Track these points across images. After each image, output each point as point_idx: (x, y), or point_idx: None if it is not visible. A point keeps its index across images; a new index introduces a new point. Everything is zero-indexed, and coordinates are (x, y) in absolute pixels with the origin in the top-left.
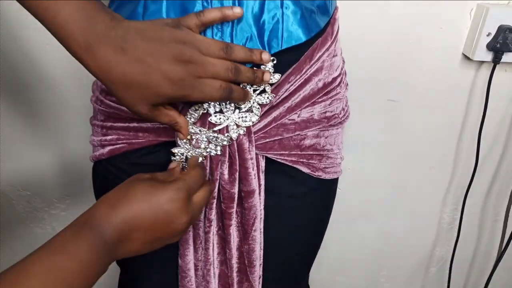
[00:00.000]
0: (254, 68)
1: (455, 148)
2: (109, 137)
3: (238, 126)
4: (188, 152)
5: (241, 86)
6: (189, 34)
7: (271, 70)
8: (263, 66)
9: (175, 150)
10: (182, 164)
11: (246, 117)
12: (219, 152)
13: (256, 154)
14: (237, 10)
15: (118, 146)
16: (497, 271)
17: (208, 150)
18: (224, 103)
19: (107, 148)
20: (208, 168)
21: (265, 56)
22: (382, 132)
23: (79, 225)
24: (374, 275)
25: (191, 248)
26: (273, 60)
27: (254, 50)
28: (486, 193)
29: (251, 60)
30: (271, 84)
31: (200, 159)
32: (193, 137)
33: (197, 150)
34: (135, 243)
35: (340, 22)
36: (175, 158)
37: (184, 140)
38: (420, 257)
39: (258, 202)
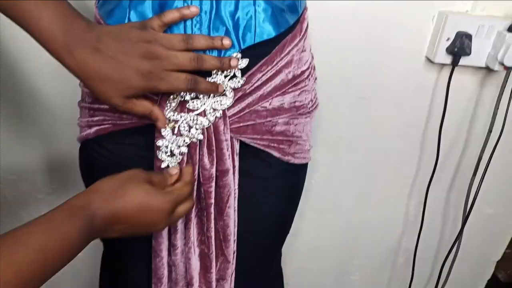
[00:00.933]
0: (239, 55)
1: (419, 144)
2: (95, 118)
3: (214, 110)
4: (172, 143)
5: (212, 72)
6: (153, 33)
7: (239, 56)
8: (238, 61)
9: (159, 143)
10: (164, 162)
11: (221, 100)
12: (201, 137)
13: (231, 137)
14: (193, 9)
15: (104, 126)
16: (459, 263)
17: (190, 136)
18: None
19: (94, 129)
20: (187, 153)
21: (226, 41)
22: (352, 127)
23: (74, 209)
24: (344, 265)
25: (165, 231)
26: (239, 51)
27: (214, 37)
28: (448, 188)
29: (213, 47)
30: (242, 70)
31: (185, 149)
32: (175, 125)
33: (180, 138)
34: (115, 233)
35: (314, 25)
36: (161, 153)
37: (167, 129)
38: (388, 248)
39: (232, 181)
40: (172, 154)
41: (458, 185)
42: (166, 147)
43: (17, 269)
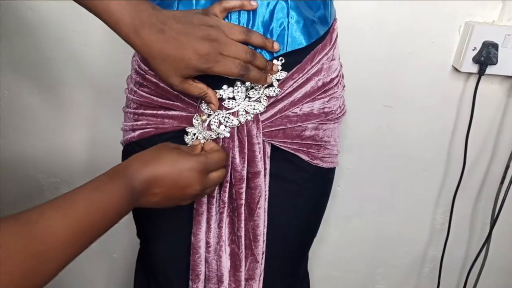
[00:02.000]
0: (279, 66)
1: (446, 152)
2: (139, 123)
3: (247, 112)
4: (200, 133)
5: (255, 88)
6: (215, 19)
7: (280, 67)
8: (278, 72)
9: (189, 129)
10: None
11: (254, 105)
12: (227, 135)
13: (263, 140)
14: (253, 3)
15: (147, 130)
16: (486, 273)
17: (218, 132)
18: (237, 91)
19: (137, 132)
20: None
21: (276, 45)
22: (379, 135)
23: (115, 173)
24: (370, 273)
25: (203, 228)
26: (281, 60)
27: (268, 38)
28: (475, 197)
29: (265, 46)
30: (278, 80)
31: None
32: (207, 118)
33: (208, 132)
34: (155, 197)
35: (342, 35)
36: (188, 137)
37: (199, 120)
38: (414, 257)
39: (263, 182)
40: None
41: (485, 194)
42: (194, 134)
43: (70, 221)
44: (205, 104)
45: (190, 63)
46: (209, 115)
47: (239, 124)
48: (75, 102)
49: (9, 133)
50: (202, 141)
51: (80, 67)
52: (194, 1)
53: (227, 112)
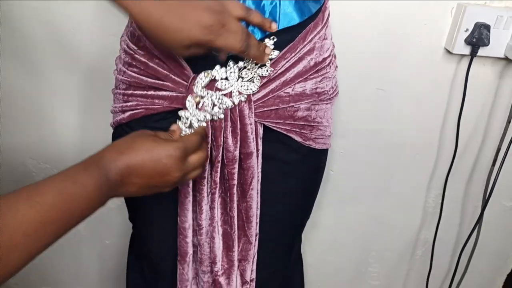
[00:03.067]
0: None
1: (438, 135)
2: (129, 103)
3: (240, 93)
4: (193, 116)
5: (245, 59)
6: None
7: (272, 47)
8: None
9: (181, 113)
10: (183, 131)
11: (247, 85)
12: (222, 116)
13: (255, 121)
14: (274, 26)
15: (137, 111)
16: (477, 255)
17: (212, 113)
18: (230, 71)
19: (127, 113)
20: (212, 135)
21: (274, 25)
22: (371, 118)
23: (90, 163)
24: (363, 256)
25: (189, 210)
26: (273, 39)
27: (266, 18)
28: (467, 180)
29: (263, 25)
30: (270, 59)
31: (204, 124)
32: (201, 100)
33: (202, 113)
34: (133, 187)
35: (334, 18)
36: (180, 122)
37: (192, 102)
38: (407, 240)
39: (256, 163)
40: (190, 126)
41: (477, 177)
42: (187, 118)
43: (38, 209)
44: (198, 86)
45: (191, 34)
46: (202, 97)
47: (232, 105)
48: (64, 86)
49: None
50: (195, 125)
51: (68, 51)
52: None
53: (221, 93)
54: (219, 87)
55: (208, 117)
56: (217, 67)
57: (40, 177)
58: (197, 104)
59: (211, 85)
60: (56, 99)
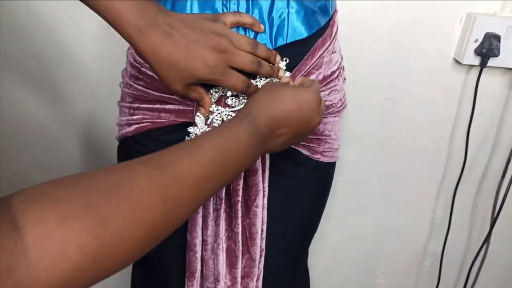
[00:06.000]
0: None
1: (447, 145)
2: (135, 117)
3: None
4: (202, 132)
5: (257, 77)
6: (225, 28)
7: (284, 68)
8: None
9: (191, 129)
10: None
11: None
12: None
13: None
14: (262, 27)
15: (143, 124)
16: (487, 268)
17: None
18: None
19: (133, 127)
20: None
21: (278, 58)
22: (379, 129)
23: (241, 118)
24: (370, 268)
25: (199, 226)
26: (285, 60)
27: (272, 51)
28: (476, 191)
29: (268, 58)
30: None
31: None
32: (210, 116)
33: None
34: (281, 138)
35: (343, 27)
36: (189, 138)
37: (202, 118)
38: (415, 251)
39: (261, 180)
40: None
41: (486, 188)
42: (196, 135)
43: (200, 164)
44: (215, 89)
45: (197, 73)
46: (211, 113)
47: None
48: (69, 97)
49: (2, 129)
50: None
51: (73, 61)
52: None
53: (230, 110)
54: (229, 103)
55: None
56: None
57: None
58: (207, 120)
59: (221, 101)
60: (60, 108)
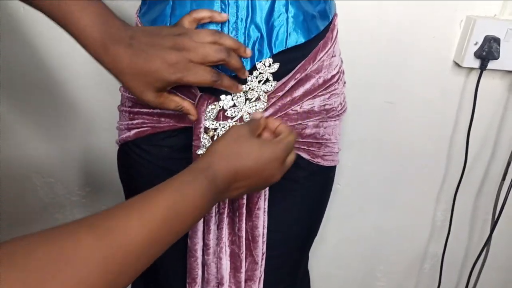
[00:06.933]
0: (271, 60)
1: (447, 148)
2: (135, 121)
3: (250, 114)
4: None
5: (248, 79)
6: (183, 28)
7: (271, 61)
8: (271, 67)
9: (199, 152)
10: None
11: (256, 105)
12: None
13: None
14: (224, 16)
15: (143, 129)
16: (487, 270)
17: None
18: (236, 97)
19: (133, 131)
20: None
21: (248, 51)
22: (379, 132)
23: (197, 173)
24: (370, 270)
25: (200, 231)
26: (270, 56)
27: (240, 43)
28: (477, 193)
29: (237, 49)
30: (274, 74)
31: None
32: (214, 133)
33: None
34: (237, 191)
35: (342, 30)
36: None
37: (208, 138)
38: (415, 253)
39: None
40: None
41: (487, 190)
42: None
43: (150, 227)
44: (208, 120)
45: (159, 74)
46: (215, 129)
47: None
48: (70, 101)
49: (3, 133)
50: None
51: (74, 66)
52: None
53: (232, 121)
54: (229, 115)
55: None
56: (223, 96)
57: (44, 191)
58: (212, 138)
59: (221, 115)
60: (61, 113)
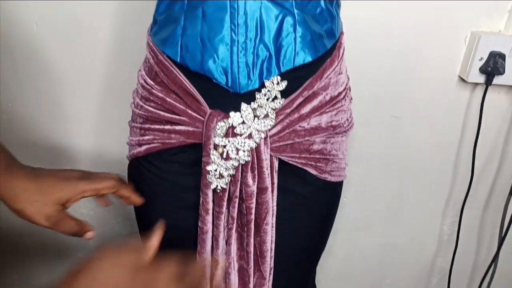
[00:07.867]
0: (279, 78)
1: (453, 163)
2: (146, 137)
3: (258, 131)
4: (221, 167)
5: (257, 97)
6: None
7: (279, 79)
8: (279, 84)
9: (209, 168)
10: (213, 183)
11: (264, 122)
12: (248, 159)
13: (271, 155)
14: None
15: (153, 145)
16: (496, 285)
17: (238, 159)
18: (245, 114)
19: (144, 147)
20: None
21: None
22: (385, 146)
23: None
24: (377, 284)
25: (209, 246)
26: (278, 74)
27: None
28: (483, 207)
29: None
30: (282, 92)
31: (231, 171)
32: (223, 149)
33: (228, 162)
34: None
35: (348, 46)
36: (209, 175)
37: (217, 154)
38: (422, 268)
39: (270, 198)
40: (221, 176)
41: (494, 205)
42: (215, 170)
43: None
44: (218, 137)
45: (36, 220)
46: (224, 146)
47: (255, 145)
48: (80, 113)
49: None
50: (225, 174)
51: (85, 78)
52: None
53: (241, 137)
54: (238, 132)
55: (235, 163)
56: (232, 113)
57: None
58: (222, 154)
59: (230, 131)
60: (71, 124)
